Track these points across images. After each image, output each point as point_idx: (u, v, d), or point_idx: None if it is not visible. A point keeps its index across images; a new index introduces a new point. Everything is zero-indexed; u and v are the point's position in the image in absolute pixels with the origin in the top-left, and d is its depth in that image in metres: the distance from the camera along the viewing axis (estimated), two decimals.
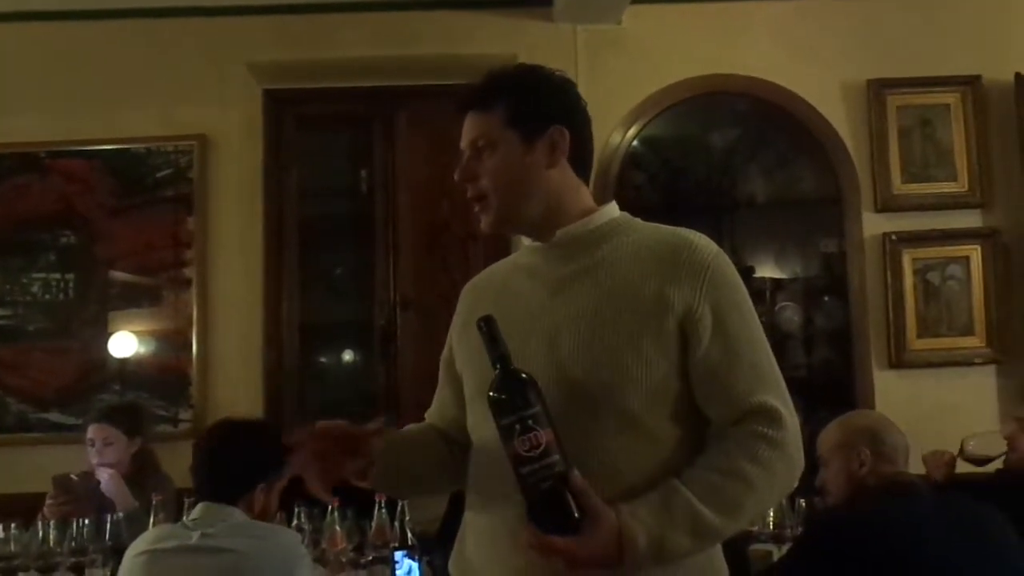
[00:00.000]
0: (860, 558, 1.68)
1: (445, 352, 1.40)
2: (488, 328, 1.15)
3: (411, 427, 1.39)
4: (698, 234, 1.28)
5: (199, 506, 1.81)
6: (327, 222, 3.83)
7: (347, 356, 3.81)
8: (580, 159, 1.32)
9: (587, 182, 1.34)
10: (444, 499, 2.38)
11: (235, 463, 1.84)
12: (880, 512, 1.79)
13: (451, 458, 1.35)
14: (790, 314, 3.78)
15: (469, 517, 1.29)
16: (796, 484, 1.22)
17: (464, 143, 1.31)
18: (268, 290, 3.63)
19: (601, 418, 1.17)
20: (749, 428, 1.17)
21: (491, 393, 1.12)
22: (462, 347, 1.34)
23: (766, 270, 3.96)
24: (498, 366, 1.14)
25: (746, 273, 3.82)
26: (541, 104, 1.29)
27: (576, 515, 1.08)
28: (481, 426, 1.24)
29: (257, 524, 1.80)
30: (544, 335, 1.22)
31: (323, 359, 3.78)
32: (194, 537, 1.75)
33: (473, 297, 1.38)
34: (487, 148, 1.28)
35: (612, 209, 1.32)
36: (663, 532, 1.11)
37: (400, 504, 2.30)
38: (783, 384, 1.23)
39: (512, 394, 1.11)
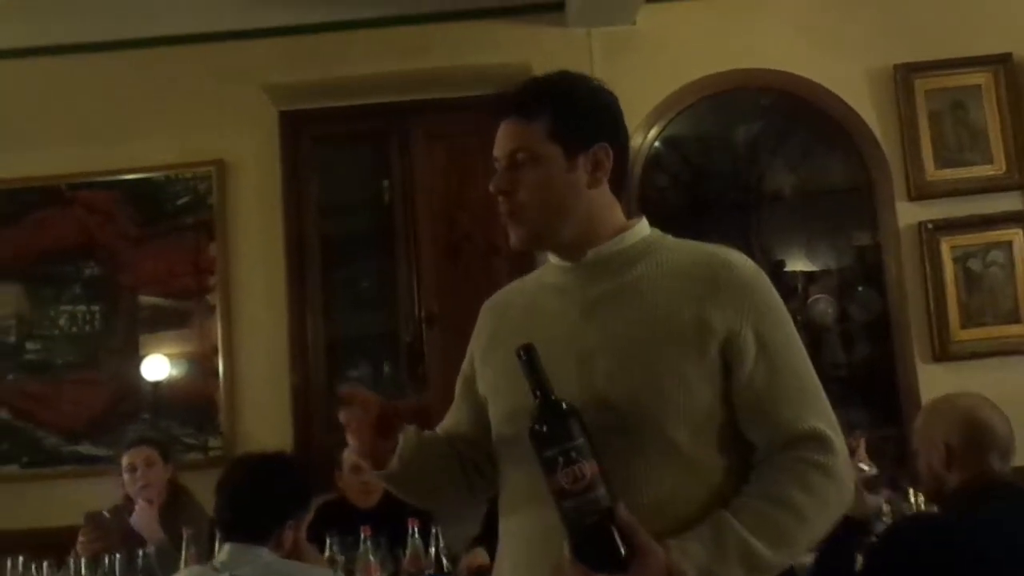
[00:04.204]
0: (926, 571, 1.57)
1: (465, 367, 1.35)
2: (528, 357, 1.11)
3: (430, 434, 1.33)
4: (735, 252, 1.23)
5: (226, 548, 1.75)
6: (348, 240, 3.80)
7: (374, 375, 3.77)
8: (618, 177, 1.26)
9: (622, 199, 1.28)
10: (477, 523, 2.32)
11: (260, 502, 1.78)
12: (951, 520, 1.67)
13: (463, 477, 1.31)
14: (824, 306, 3.65)
15: (506, 551, 1.23)
16: (845, 511, 1.17)
17: (501, 152, 1.24)
18: (292, 312, 3.60)
19: (643, 446, 1.12)
20: (798, 455, 1.13)
21: (533, 425, 1.09)
22: (487, 370, 1.29)
23: (797, 265, 3.86)
24: (538, 396, 1.09)
25: (776, 267, 3.72)
26: (587, 119, 1.24)
27: (623, 552, 1.04)
28: (514, 456, 1.19)
29: (288, 563, 1.75)
30: (577, 359, 1.17)
31: (350, 379, 3.74)
32: None
33: (496, 316, 1.33)
34: (527, 161, 1.22)
35: (643, 227, 1.27)
36: (714, 568, 1.06)
37: (434, 530, 2.24)
38: (829, 407, 1.19)
39: (554, 426, 1.07)
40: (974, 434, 1.74)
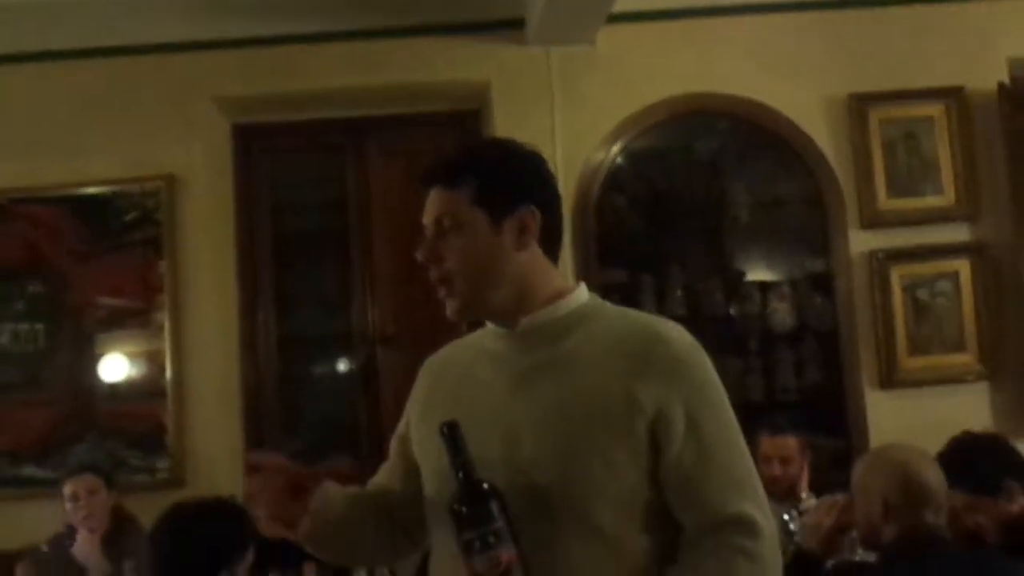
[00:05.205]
0: None
1: (401, 427, 1.35)
2: (451, 433, 1.11)
3: (354, 489, 1.33)
4: (671, 324, 1.23)
5: None
6: (302, 256, 3.74)
7: (328, 398, 3.74)
8: (550, 240, 1.26)
9: (556, 262, 1.28)
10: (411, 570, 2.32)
11: (194, 553, 1.75)
12: (885, 571, 1.70)
13: (389, 536, 1.31)
14: (782, 317, 3.67)
15: None
16: None
17: (427, 220, 1.25)
18: (243, 330, 3.54)
19: (565, 528, 1.12)
20: (725, 539, 1.13)
21: (452, 505, 1.09)
22: (419, 433, 1.29)
23: (757, 276, 3.85)
24: (460, 475, 1.09)
25: (737, 277, 3.72)
26: (511, 182, 1.24)
27: None
28: (442, 520, 1.18)
29: None
30: (504, 435, 1.16)
31: (304, 402, 3.70)
32: None
33: (433, 378, 1.34)
34: (453, 228, 1.22)
35: (580, 294, 1.27)
36: None
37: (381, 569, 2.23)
38: (760, 488, 1.18)
39: (473, 508, 1.07)
40: (911, 490, 1.79)
